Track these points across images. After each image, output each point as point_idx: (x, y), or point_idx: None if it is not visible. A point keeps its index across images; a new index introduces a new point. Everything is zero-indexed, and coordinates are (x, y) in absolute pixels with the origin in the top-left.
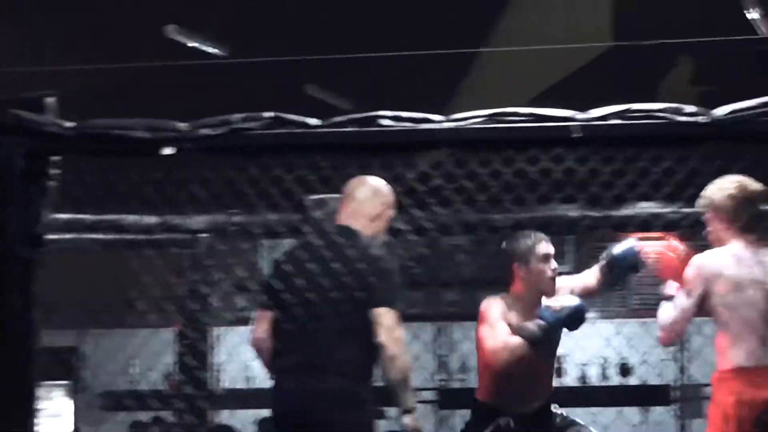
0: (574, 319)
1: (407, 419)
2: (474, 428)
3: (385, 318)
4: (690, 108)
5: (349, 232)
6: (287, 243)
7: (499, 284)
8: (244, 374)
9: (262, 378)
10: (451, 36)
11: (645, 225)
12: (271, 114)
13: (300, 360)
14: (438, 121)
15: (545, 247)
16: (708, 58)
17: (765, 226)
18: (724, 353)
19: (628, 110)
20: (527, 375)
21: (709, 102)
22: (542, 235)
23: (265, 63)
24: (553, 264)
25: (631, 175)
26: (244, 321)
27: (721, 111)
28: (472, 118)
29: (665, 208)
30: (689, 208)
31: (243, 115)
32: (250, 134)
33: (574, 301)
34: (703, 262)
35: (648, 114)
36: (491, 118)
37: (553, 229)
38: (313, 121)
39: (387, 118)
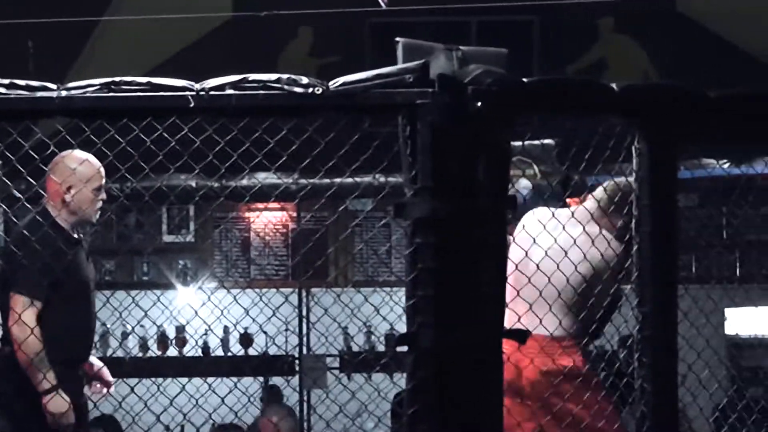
0: None
1: (44, 400)
2: None
3: (13, 303)
4: (305, 80)
5: (42, 213)
6: None
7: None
8: None
9: None
10: (70, 4)
11: (262, 195)
12: None
13: None
14: (53, 90)
15: None
16: (328, 30)
17: None
18: None
19: (244, 80)
20: None
21: (328, 74)
22: None
23: None
24: None
25: (249, 146)
26: None
27: (335, 83)
28: (88, 87)
29: (282, 179)
30: (306, 179)
31: None
32: None
33: None
34: None
35: (264, 85)
36: (107, 87)
37: (171, 198)
38: None
39: (1, 86)
